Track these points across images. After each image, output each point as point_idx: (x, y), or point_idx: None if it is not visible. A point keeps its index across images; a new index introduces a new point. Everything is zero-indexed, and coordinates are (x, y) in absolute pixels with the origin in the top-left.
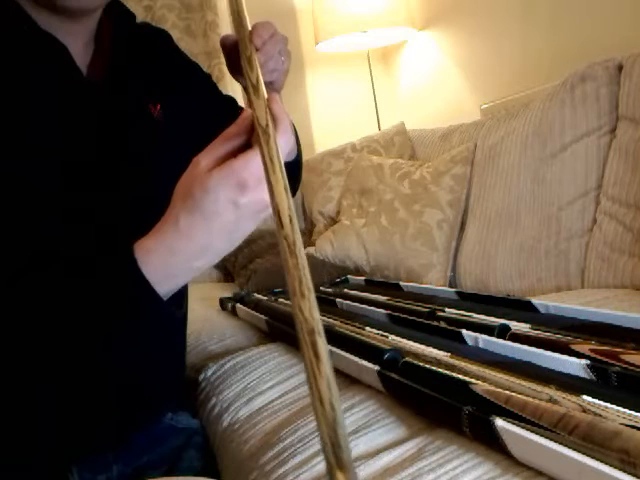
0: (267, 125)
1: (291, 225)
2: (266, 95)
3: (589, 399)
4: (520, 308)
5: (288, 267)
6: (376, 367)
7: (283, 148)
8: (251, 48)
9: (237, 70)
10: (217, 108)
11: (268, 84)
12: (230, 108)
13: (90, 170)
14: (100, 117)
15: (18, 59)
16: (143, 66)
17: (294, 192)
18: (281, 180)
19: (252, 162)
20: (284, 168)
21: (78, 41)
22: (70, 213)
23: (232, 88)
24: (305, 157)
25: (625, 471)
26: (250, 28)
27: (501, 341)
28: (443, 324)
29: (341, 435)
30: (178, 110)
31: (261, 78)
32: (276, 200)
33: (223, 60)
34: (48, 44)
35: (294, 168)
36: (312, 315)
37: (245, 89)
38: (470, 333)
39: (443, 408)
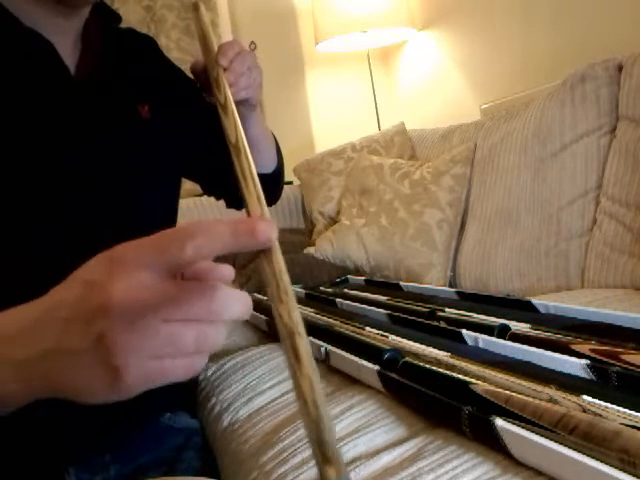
0: (237, 141)
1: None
2: (236, 113)
3: (589, 399)
4: (520, 308)
5: (265, 274)
6: (376, 367)
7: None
8: (218, 69)
9: (210, 92)
10: (202, 112)
11: (244, 101)
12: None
13: (72, 167)
14: (87, 116)
15: (2, 56)
16: (131, 68)
17: (274, 201)
18: (254, 192)
19: None
20: (259, 183)
21: (66, 40)
22: (40, 212)
23: None
24: (305, 157)
25: (625, 471)
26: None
27: (501, 341)
28: (443, 324)
29: (325, 429)
30: (166, 112)
31: (230, 97)
32: (250, 208)
33: None
34: (33, 41)
35: (273, 180)
36: (291, 318)
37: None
38: (470, 333)
39: (443, 408)
